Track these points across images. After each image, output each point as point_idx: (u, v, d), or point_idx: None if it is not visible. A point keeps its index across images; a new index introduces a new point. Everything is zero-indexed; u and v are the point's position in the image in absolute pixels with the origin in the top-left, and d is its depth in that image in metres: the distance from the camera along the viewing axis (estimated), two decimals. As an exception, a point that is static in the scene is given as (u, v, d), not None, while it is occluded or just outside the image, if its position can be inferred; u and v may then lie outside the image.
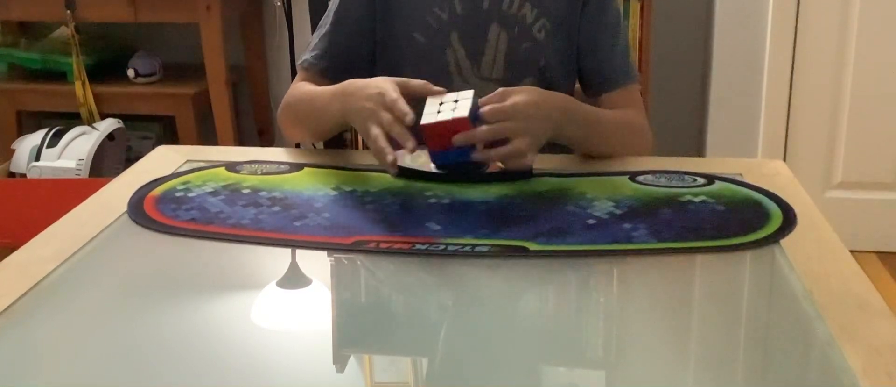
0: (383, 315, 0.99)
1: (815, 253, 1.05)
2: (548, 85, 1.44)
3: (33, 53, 2.97)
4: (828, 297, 0.94)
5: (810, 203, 1.19)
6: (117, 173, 1.42)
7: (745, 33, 2.73)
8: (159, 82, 2.95)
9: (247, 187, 1.24)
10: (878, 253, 2.74)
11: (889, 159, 2.74)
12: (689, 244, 1.09)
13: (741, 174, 1.29)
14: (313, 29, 1.62)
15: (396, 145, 1.20)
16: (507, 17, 1.44)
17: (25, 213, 2.45)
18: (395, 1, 1.45)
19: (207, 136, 2.90)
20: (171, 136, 3.00)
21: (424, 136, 1.19)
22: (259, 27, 3.11)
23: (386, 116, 1.20)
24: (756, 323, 0.98)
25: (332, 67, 1.45)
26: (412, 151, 1.18)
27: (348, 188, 1.24)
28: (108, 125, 2.80)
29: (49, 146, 2.71)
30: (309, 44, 1.51)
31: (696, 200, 1.20)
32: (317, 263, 1.08)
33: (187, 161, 1.36)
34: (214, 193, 1.22)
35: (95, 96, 2.86)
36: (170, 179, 1.28)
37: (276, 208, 1.18)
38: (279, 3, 2.95)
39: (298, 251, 1.09)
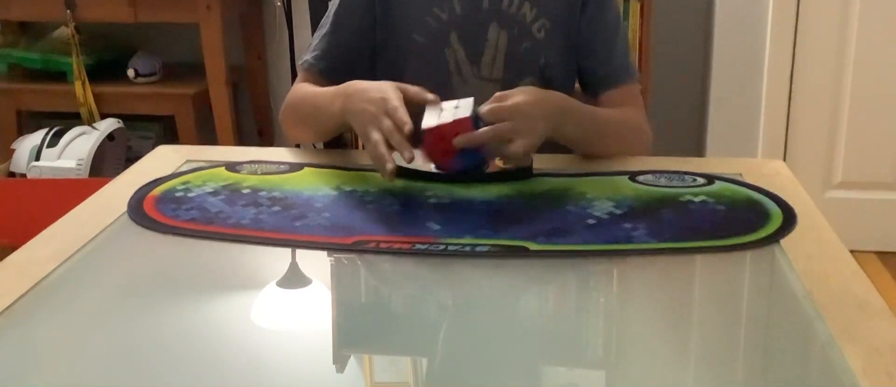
0: (383, 315, 0.99)
1: (815, 253, 1.05)
2: (548, 84, 1.45)
3: (33, 53, 2.97)
4: (828, 297, 0.94)
5: (810, 203, 1.19)
6: (117, 173, 1.42)
7: (745, 33, 2.73)
8: (159, 82, 2.95)
9: (247, 187, 1.24)
10: (878, 253, 2.74)
11: (889, 159, 2.74)
12: (688, 244, 1.09)
13: (741, 174, 1.29)
14: (313, 29, 1.62)
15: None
16: (507, 17, 1.44)
17: (25, 213, 2.44)
18: (395, 1, 1.45)
19: (207, 136, 2.90)
20: (171, 136, 3.00)
21: (426, 141, 1.19)
22: (259, 27, 3.11)
23: (387, 123, 1.19)
24: (756, 323, 0.98)
25: (332, 68, 1.46)
26: (409, 161, 1.17)
27: (348, 188, 1.24)
28: (108, 125, 2.80)
29: (49, 146, 2.71)
30: (309, 45, 1.51)
31: (696, 200, 1.20)
32: (317, 263, 1.08)
33: (187, 161, 1.36)
34: (214, 193, 1.22)
35: (95, 96, 2.86)
36: (170, 179, 1.28)
37: (276, 208, 1.18)
38: (279, 3, 2.95)
39: (298, 251, 1.09)
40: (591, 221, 1.13)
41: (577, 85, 1.53)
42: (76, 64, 2.82)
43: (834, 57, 2.67)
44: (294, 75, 2.83)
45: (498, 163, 1.27)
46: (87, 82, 2.84)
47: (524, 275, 1.05)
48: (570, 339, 0.94)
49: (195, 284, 1.04)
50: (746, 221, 1.14)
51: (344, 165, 1.33)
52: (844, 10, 2.64)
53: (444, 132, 1.17)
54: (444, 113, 1.19)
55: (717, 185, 1.25)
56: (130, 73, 2.92)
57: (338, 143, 1.56)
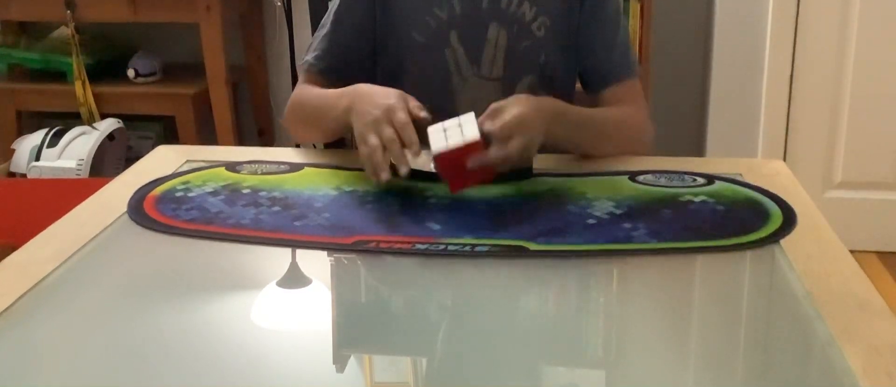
0: (383, 315, 0.99)
1: (815, 253, 1.05)
2: (548, 82, 1.45)
3: (33, 53, 2.97)
4: (828, 297, 0.94)
5: (810, 203, 1.19)
6: (117, 173, 1.42)
7: (745, 33, 2.73)
8: (159, 82, 2.95)
9: (247, 187, 1.24)
10: (878, 253, 2.74)
11: (889, 159, 2.74)
12: (688, 244, 1.09)
13: (741, 174, 1.29)
14: (313, 29, 1.62)
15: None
16: (506, 16, 1.44)
17: (25, 213, 2.44)
18: (394, 1, 1.45)
19: (207, 136, 2.90)
20: (171, 136, 2.99)
21: (440, 166, 1.17)
22: (259, 27, 3.11)
23: (388, 132, 1.18)
24: (756, 323, 0.98)
25: (332, 68, 1.45)
26: (405, 177, 1.17)
27: (348, 188, 1.24)
28: (108, 125, 2.80)
29: (49, 146, 2.71)
30: (309, 45, 1.51)
31: (696, 199, 1.20)
32: (317, 263, 1.08)
33: (187, 161, 1.36)
34: (214, 193, 1.22)
35: (95, 96, 2.85)
36: (170, 179, 1.28)
37: (276, 208, 1.18)
38: (279, 3, 2.95)
39: (298, 251, 1.09)
40: (591, 221, 1.13)
41: (577, 85, 1.53)
42: (76, 64, 2.82)
43: (834, 57, 2.67)
44: (294, 75, 2.83)
45: None
46: (87, 82, 2.84)
47: (524, 275, 1.05)
48: (570, 339, 0.94)
49: (195, 285, 1.04)
50: (746, 221, 1.14)
51: (344, 165, 1.33)
52: (844, 10, 2.64)
53: (457, 156, 1.15)
54: (450, 132, 1.16)
55: (717, 185, 1.25)
56: (130, 73, 2.92)
57: (338, 143, 1.56)
